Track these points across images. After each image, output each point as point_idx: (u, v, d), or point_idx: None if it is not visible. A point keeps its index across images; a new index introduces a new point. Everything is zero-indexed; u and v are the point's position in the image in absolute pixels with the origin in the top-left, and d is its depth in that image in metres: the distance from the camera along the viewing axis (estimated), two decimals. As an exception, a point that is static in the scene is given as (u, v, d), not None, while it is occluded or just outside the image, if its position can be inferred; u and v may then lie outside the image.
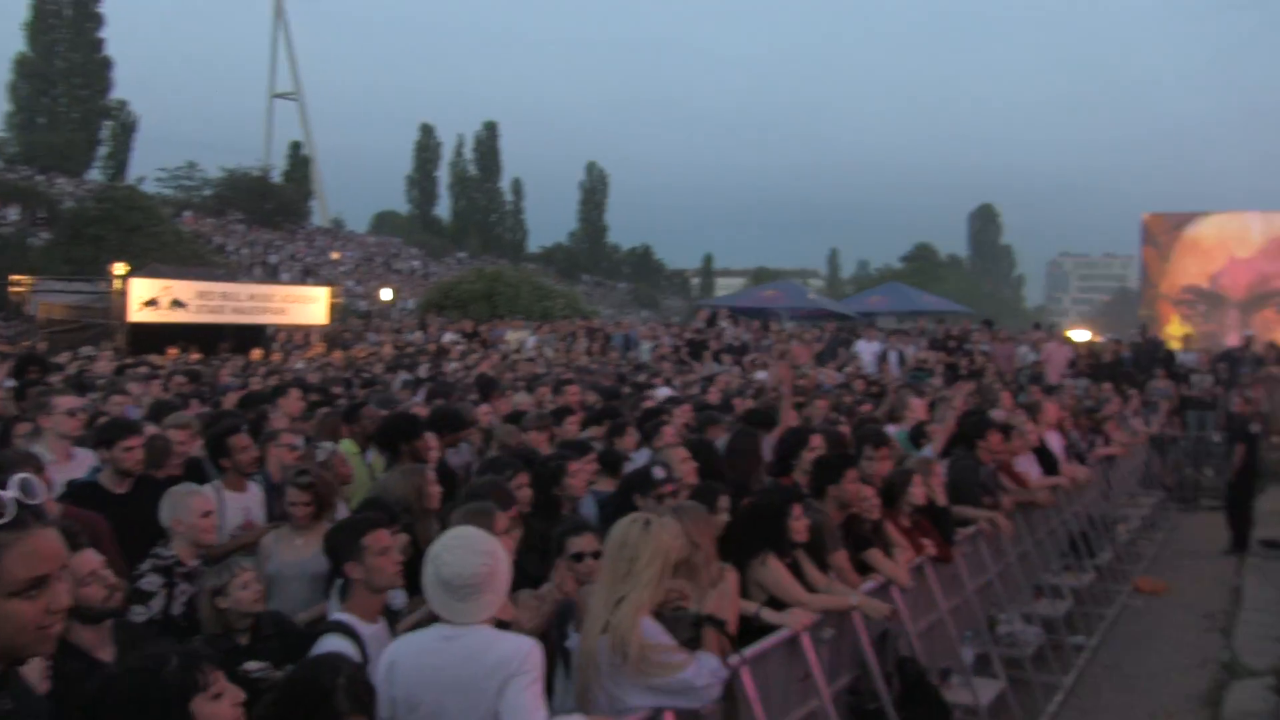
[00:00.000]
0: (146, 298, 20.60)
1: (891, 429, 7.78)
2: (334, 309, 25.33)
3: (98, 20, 50.49)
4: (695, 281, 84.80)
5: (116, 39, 51.70)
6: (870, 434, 6.38)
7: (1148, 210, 32.89)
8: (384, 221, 72.43)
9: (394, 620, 3.70)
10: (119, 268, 21.16)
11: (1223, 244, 30.34)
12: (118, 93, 51.86)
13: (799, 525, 4.62)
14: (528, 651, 2.97)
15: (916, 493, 5.79)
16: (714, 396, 10.67)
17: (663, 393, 10.66)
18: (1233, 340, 18.65)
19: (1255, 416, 11.78)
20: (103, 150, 51.34)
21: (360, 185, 74.05)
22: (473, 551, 3.03)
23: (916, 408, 8.50)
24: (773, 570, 4.46)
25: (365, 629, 3.39)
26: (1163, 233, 31.37)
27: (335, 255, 50.73)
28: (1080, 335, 25.36)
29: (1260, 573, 9.80)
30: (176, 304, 21.03)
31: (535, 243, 73.44)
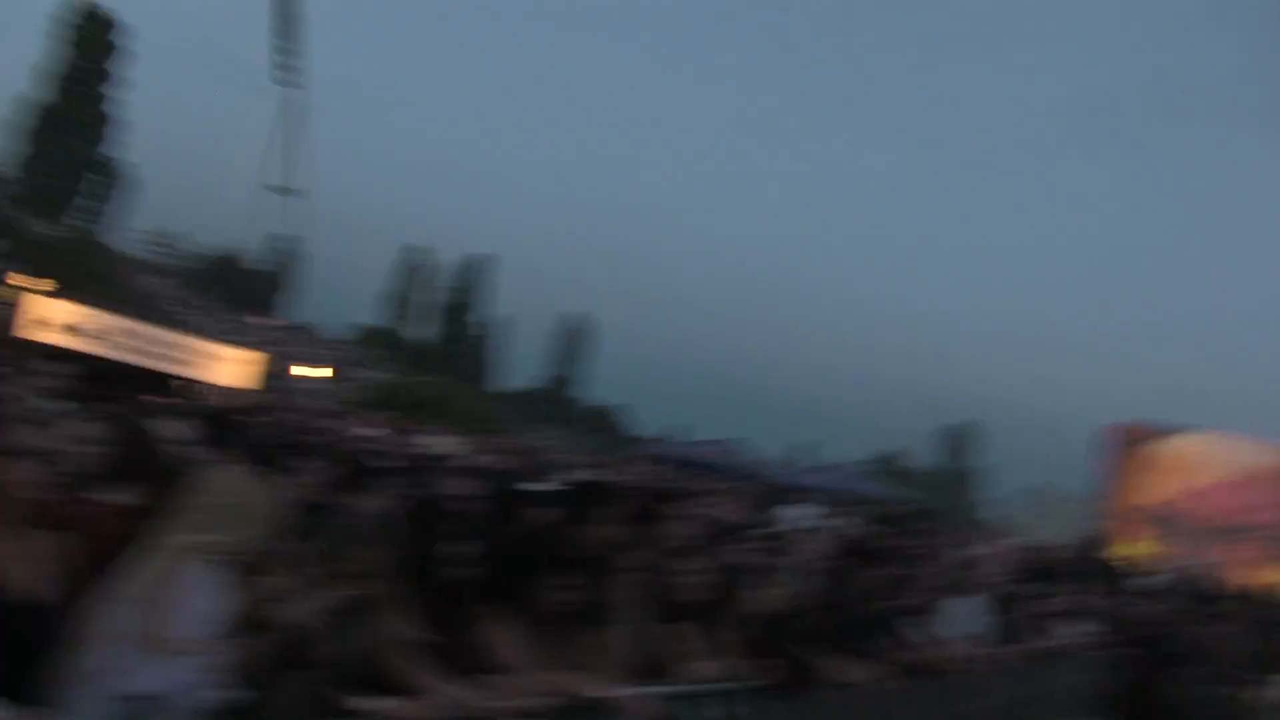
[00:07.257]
0: (38, 316, 18.29)
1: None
2: (266, 380, 22.84)
3: (107, 77, 49.25)
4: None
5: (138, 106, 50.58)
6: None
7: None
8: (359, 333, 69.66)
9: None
10: (17, 279, 19.47)
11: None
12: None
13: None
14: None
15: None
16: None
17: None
18: None
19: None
20: (84, 200, 49.07)
21: (329, 291, 69.70)
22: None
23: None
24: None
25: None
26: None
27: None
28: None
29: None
30: (69, 329, 18.60)
31: (509, 382, 70.40)
